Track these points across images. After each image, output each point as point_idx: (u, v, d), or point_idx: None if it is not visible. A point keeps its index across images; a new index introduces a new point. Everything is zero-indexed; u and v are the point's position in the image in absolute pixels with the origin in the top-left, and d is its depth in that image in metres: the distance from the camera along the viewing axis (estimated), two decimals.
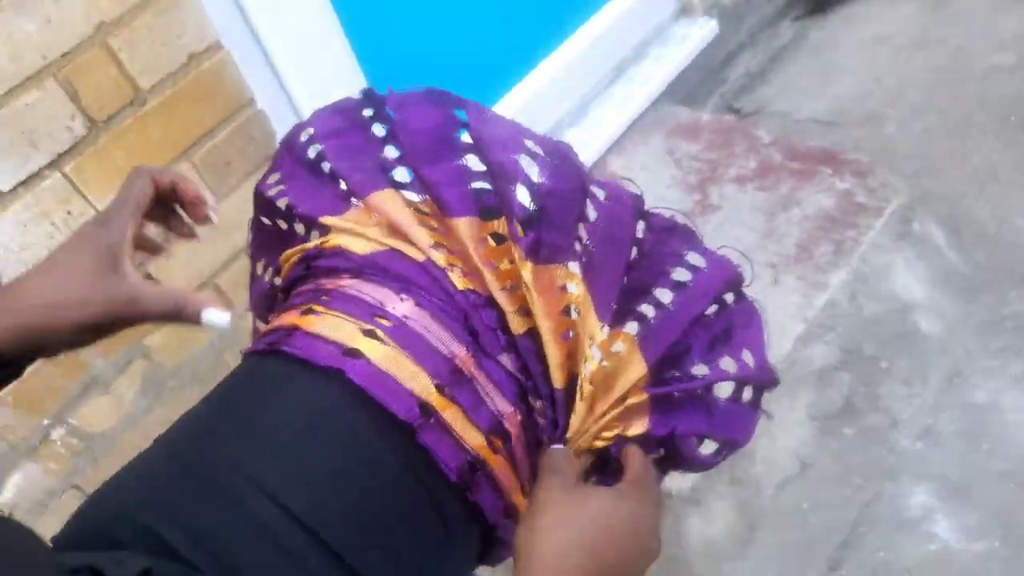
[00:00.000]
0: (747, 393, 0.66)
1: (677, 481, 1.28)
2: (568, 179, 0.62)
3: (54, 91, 0.99)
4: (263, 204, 0.69)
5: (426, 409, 0.53)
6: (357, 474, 0.53)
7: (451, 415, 0.54)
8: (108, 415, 1.15)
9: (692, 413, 0.62)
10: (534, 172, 0.61)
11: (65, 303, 0.56)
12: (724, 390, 0.64)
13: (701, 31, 1.91)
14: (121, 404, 1.16)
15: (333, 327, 0.55)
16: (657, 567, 1.39)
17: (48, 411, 1.09)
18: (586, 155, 1.71)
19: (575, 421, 0.58)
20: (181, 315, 0.58)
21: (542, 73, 1.74)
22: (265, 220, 0.70)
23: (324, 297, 0.58)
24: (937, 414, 1.38)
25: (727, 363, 0.63)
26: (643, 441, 0.61)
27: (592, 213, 0.62)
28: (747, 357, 0.64)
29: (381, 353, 0.54)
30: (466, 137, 0.62)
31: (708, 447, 0.65)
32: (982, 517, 1.26)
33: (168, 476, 0.53)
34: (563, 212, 0.60)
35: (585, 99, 1.83)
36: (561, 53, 1.76)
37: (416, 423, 0.53)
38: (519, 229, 0.58)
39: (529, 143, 0.63)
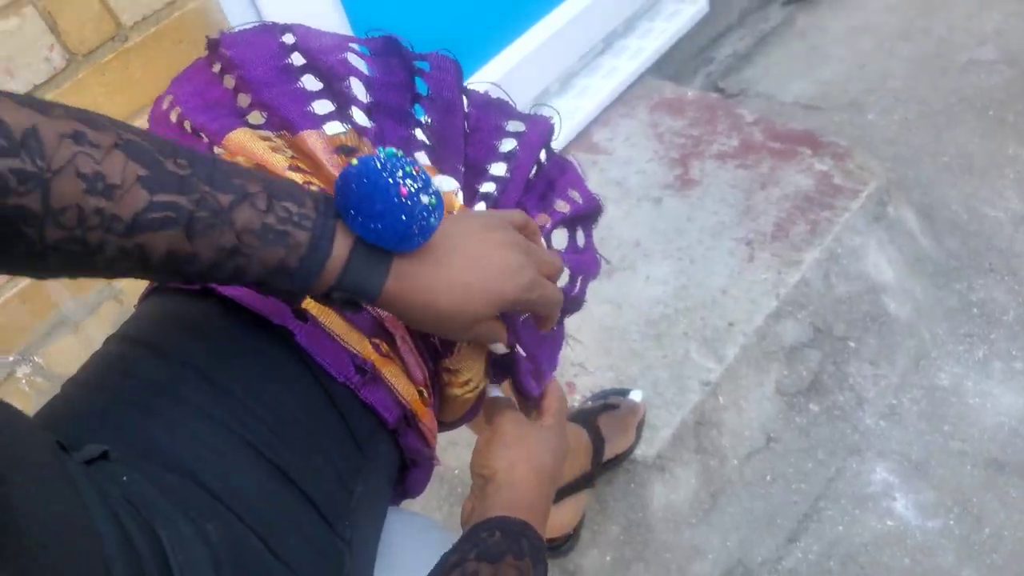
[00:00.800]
0: (580, 238, 0.76)
1: (642, 448, 1.29)
2: (397, 71, 0.66)
3: (33, 19, 0.96)
4: None
5: (302, 314, 0.58)
6: (273, 385, 0.57)
7: (329, 320, 0.58)
8: (76, 356, 1.12)
9: None
10: (363, 67, 0.66)
11: None
12: (560, 241, 0.74)
13: (692, 8, 1.91)
14: (90, 345, 1.12)
15: None
16: (620, 530, 1.40)
17: (13, 348, 1.08)
18: (571, 125, 1.70)
19: None
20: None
21: (530, 40, 1.71)
22: None
23: None
24: (901, 395, 1.41)
25: (561, 205, 0.72)
26: None
27: (425, 88, 0.66)
28: (575, 195, 0.73)
29: None
30: (298, 59, 0.65)
31: (561, 279, 0.74)
32: (938, 496, 1.29)
33: (94, 404, 0.55)
34: (398, 104, 0.65)
35: (572, 69, 1.82)
36: (550, 20, 1.74)
37: (290, 326, 0.57)
38: (364, 118, 0.63)
39: (355, 44, 0.67)
